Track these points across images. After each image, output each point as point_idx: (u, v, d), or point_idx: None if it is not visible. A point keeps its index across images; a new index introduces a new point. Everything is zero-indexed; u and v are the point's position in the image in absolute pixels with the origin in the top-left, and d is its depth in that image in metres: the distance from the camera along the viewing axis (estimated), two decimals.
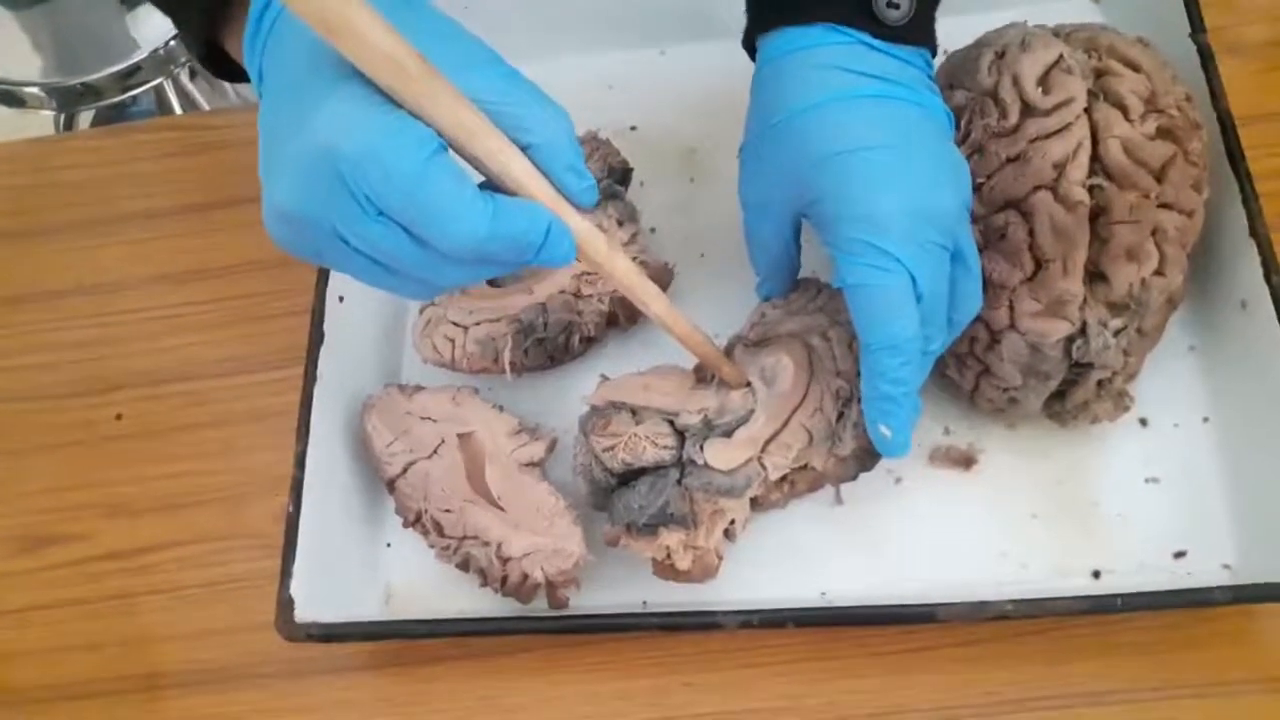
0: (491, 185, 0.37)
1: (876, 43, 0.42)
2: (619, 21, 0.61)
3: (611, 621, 0.48)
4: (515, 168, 0.36)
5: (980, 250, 0.44)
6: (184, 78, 1.10)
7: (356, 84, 0.34)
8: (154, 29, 1.02)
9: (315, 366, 0.51)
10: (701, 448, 0.46)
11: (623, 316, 0.54)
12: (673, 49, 0.62)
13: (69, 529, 0.57)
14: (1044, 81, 0.42)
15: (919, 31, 0.42)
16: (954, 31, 0.50)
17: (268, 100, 0.37)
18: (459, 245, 0.35)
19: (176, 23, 0.45)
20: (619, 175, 0.55)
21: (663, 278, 0.54)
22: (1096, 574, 0.47)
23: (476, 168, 0.37)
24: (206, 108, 1.11)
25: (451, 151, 0.36)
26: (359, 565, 0.51)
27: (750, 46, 0.47)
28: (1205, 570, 0.46)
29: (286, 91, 0.36)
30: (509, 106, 0.36)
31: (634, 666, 0.49)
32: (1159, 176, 0.42)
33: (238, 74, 0.42)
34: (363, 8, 0.33)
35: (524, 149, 0.37)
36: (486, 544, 0.48)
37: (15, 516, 0.58)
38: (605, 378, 0.49)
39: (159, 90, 1.07)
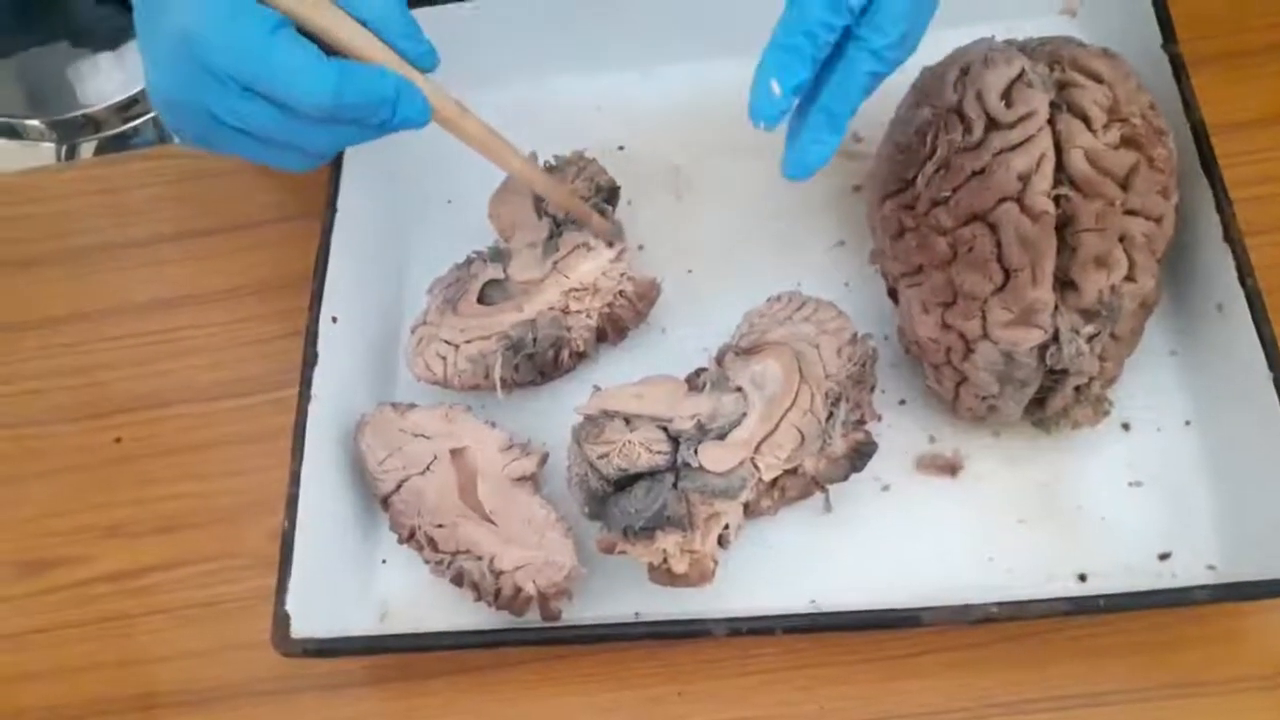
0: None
1: None
2: (606, 43, 0.62)
3: (604, 632, 0.48)
4: (357, 37, 0.43)
5: (949, 262, 0.45)
6: None
7: None
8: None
9: (309, 387, 0.52)
10: (695, 451, 0.47)
11: (611, 332, 0.55)
12: (659, 69, 0.63)
13: (68, 552, 0.57)
14: (1007, 95, 0.43)
15: None
16: (932, 46, 0.51)
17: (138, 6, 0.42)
18: (313, 103, 0.41)
19: None
20: (606, 194, 0.56)
21: (650, 294, 0.55)
22: (1083, 577, 0.47)
23: (329, 42, 0.43)
24: None
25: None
26: (355, 581, 0.52)
27: None
28: (1190, 571, 0.47)
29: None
30: None
31: (627, 677, 0.50)
32: (1124, 184, 0.43)
33: None
34: None
35: (362, 24, 0.43)
36: (479, 558, 0.49)
37: (15, 540, 0.58)
38: (598, 389, 0.50)
39: (158, 120, 1.08)
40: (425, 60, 0.45)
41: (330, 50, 0.43)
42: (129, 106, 1.03)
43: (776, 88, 0.41)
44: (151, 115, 1.05)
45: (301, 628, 0.47)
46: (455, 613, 0.51)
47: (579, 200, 0.53)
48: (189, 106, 0.42)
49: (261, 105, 0.41)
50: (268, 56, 0.40)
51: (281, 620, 0.47)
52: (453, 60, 0.62)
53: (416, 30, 0.45)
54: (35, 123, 1.02)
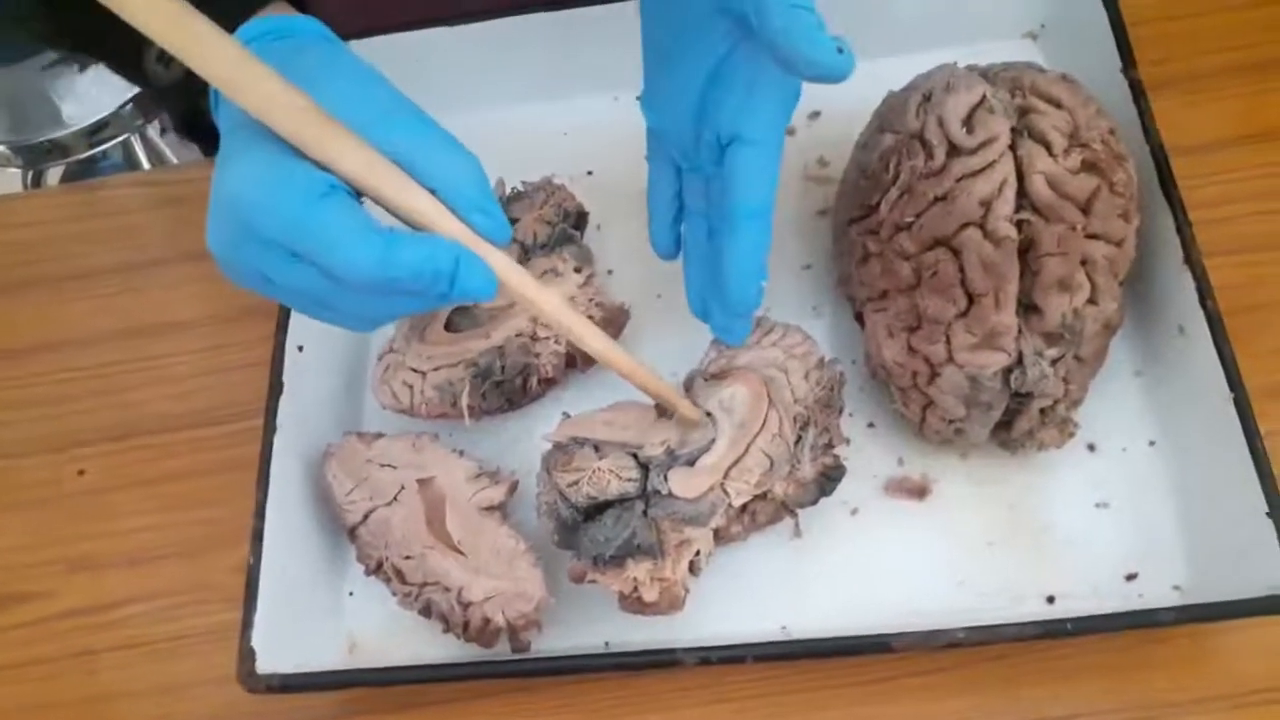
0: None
1: None
2: (573, 68, 0.62)
3: (573, 663, 0.48)
4: (421, 205, 0.39)
5: (913, 287, 0.45)
6: (152, 132, 1.11)
7: (267, 140, 0.37)
8: (118, 85, 1.03)
9: (275, 417, 0.51)
10: (665, 477, 0.46)
11: (580, 358, 0.55)
12: (626, 95, 0.63)
13: (31, 587, 0.56)
14: (968, 122, 0.44)
15: None
16: (896, 71, 0.51)
17: (218, 155, 0.40)
18: (358, 275, 0.37)
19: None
20: (574, 219, 0.56)
21: (619, 319, 0.55)
22: (1051, 599, 0.48)
23: (391, 212, 0.39)
24: (175, 162, 1.12)
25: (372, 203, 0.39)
26: (321, 615, 0.51)
27: None
28: (1156, 592, 0.47)
29: (221, 148, 0.40)
30: (415, 152, 0.39)
31: (598, 707, 0.49)
32: (1085, 208, 0.43)
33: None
34: (256, 65, 0.36)
35: (432, 192, 0.39)
36: (448, 589, 0.48)
37: None
38: (567, 416, 0.50)
39: (126, 145, 1.08)
40: (497, 235, 0.41)
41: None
42: (97, 131, 1.03)
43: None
44: (120, 140, 1.05)
45: (267, 663, 0.47)
46: (424, 644, 0.50)
47: (664, 383, 0.49)
48: (242, 265, 0.39)
49: (309, 271, 0.38)
50: (310, 223, 0.37)
51: (247, 656, 0.47)
52: (422, 85, 0.62)
53: (490, 203, 0.41)
54: (1, 149, 1.01)
